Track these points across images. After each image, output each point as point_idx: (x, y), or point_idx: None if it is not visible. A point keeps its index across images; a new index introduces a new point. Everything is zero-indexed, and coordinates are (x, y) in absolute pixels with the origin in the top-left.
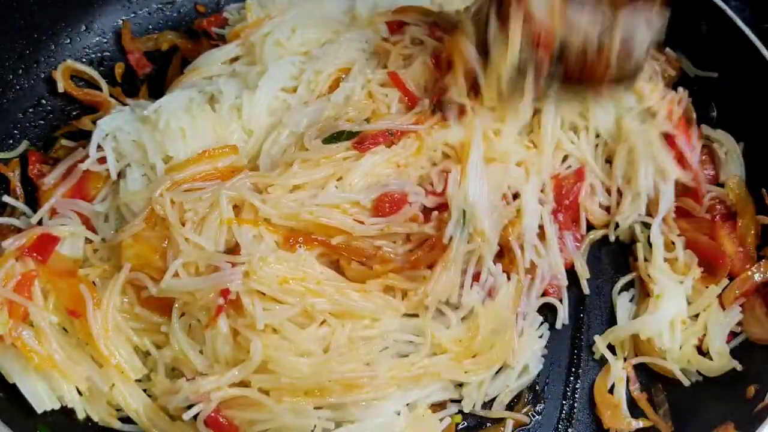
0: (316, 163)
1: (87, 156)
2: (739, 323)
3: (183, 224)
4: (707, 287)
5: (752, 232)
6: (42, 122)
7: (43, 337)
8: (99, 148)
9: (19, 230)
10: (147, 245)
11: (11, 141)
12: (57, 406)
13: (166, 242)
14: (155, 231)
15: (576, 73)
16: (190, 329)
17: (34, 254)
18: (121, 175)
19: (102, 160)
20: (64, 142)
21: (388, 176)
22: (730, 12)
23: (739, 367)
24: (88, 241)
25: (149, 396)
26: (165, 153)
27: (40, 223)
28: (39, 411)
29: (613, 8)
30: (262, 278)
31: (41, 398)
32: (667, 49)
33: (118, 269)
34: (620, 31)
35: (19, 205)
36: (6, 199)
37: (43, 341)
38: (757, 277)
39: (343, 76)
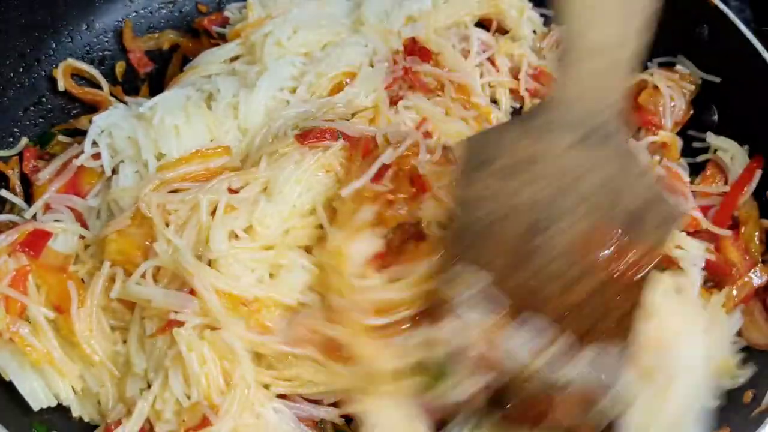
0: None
1: (82, 152)
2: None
3: (168, 225)
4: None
5: (755, 238)
6: (42, 120)
7: (40, 332)
8: (94, 144)
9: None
10: (130, 241)
11: (11, 139)
12: (54, 404)
13: (149, 241)
14: (141, 229)
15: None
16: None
17: (26, 249)
18: (115, 171)
19: (97, 156)
20: (60, 138)
21: None
22: (731, 14)
23: (747, 375)
24: (82, 237)
25: None
26: (158, 150)
27: (34, 218)
28: (35, 408)
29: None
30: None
31: (38, 395)
32: (678, 66)
33: (102, 265)
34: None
35: (17, 200)
36: (2, 192)
37: (41, 337)
38: (756, 282)
39: (347, 80)
